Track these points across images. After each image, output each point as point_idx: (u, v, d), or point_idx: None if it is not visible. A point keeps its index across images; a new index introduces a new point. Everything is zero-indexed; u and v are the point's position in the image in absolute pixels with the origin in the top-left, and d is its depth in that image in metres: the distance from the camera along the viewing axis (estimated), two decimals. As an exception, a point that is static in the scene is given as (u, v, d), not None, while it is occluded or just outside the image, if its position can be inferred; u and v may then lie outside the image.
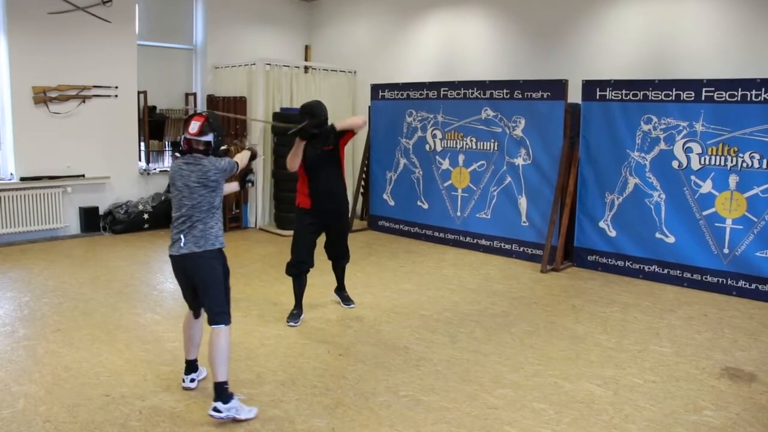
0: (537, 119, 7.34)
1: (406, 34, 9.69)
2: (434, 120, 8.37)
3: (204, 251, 3.64)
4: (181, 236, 3.64)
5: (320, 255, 7.63)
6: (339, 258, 5.55)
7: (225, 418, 3.51)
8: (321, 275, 6.70)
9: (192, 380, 3.98)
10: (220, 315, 3.66)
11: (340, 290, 5.74)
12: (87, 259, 7.22)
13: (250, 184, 4.43)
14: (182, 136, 3.73)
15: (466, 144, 8.04)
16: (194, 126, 3.65)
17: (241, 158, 4.04)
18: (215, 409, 3.52)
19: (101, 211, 8.61)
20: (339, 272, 5.68)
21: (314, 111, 5.04)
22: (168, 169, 9.21)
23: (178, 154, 3.84)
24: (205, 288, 3.67)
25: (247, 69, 9.32)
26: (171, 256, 3.73)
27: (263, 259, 7.44)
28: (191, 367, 3.99)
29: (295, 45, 10.94)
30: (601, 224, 7.03)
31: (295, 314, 5.26)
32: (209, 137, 3.67)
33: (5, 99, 7.86)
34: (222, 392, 3.53)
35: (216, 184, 3.67)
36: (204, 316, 3.83)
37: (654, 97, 6.53)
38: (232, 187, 4.27)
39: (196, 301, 3.84)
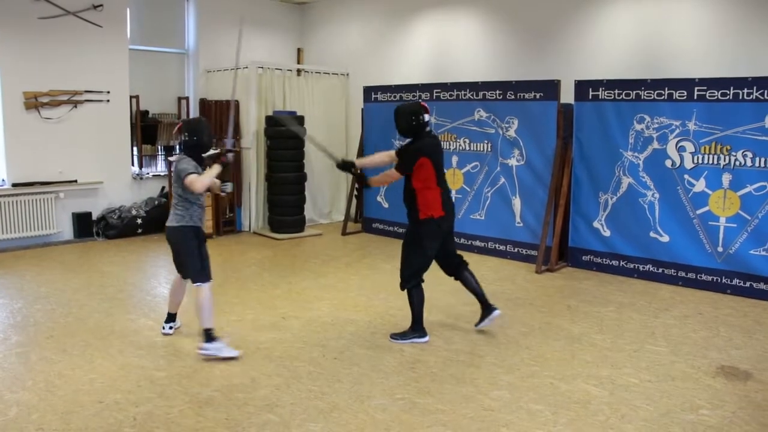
0: (530, 120, 7.34)
1: (398, 35, 9.69)
2: (427, 122, 8.35)
3: (180, 225, 4.58)
4: (170, 212, 4.65)
5: (315, 258, 7.64)
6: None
7: (210, 356, 4.43)
8: (316, 278, 6.69)
9: (170, 327, 4.99)
10: (197, 276, 4.58)
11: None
12: (80, 265, 7.18)
13: (223, 192, 4.87)
14: None
15: (460, 145, 8.03)
16: (174, 130, 4.69)
17: (208, 176, 4.56)
18: (203, 348, 4.48)
19: (94, 217, 8.57)
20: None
21: (396, 117, 4.82)
22: (161, 174, 9.26)
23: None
24: (179, 256, 4.68)
25: (240, 72, 9.28)
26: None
27: (258, 263, 7.41)
28: (171, 317, 5.01)
29: (287, 48, 10.92)
30: (596, 224, 7.03)
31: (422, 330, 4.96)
32: (182, 137, 4.62)
33: (-4, 105, 7.83)
34: (208, 336, 4.50)
35: (176, 177, 4.55)
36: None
37: (646, 96, 6.54)
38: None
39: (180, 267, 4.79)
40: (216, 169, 4.62)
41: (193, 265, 4.58)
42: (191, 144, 4.60)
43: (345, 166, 5.05)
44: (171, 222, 4.62)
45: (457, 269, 5.10)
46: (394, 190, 8.84)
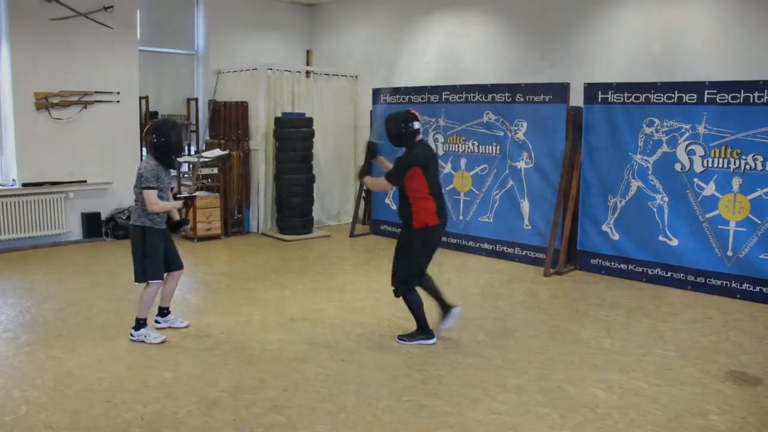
0: (539, 123, 7.33)
1: (407, 38, 9.69)
2: (436, 124, 8.36)
3: (132, 224, 4.78)
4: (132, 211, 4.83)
5: (323, 260, 7.64)
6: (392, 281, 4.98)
7: (136, 340, 4.78)
8: (324, 280, 6.70)
9: (156, 321, 5.13)
10: (136, 275, 4.80)
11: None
12: (89, 265, 7.21)
13: (182, 231, 5.43)
14: None
15: (468, 148, 8.02)
16: (144, 131, 4.78)
17: (162, 206, 4.73)
18: (131, 335, 4.81)
19: (103, 217, 8.59)
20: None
21: (386, 125, 4.86)
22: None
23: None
24: (132, 252, 4.81)
25: (249, 74, 9.31)
26: None
27: (266, 264, 7.42)
28: (160, 312, 5.16)
29: (296, 50, 10.94)
30: (604, 227, 7.00)
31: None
32: (151, 138, 4.76)
33: (7, 105, 7.87)
34: (137, 323, 4.83)
35: (137, 180, 4.70)
36: (173, 275, 5.07)
37: (656, 99, 6.52)
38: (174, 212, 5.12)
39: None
40: (178, 203, 4.92)
41: (135, 263, 4.78)
42: (159, 145, 4.72)
43: (371, 149, 5.10)
44: (131, 220, 4.84)
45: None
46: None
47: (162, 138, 4.71)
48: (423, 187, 4.73)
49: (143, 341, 4.77)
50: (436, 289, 4.99)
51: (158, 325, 5.10)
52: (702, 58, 6.85)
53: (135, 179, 4.74)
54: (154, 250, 4.76)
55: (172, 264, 5.01)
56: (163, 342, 4.77)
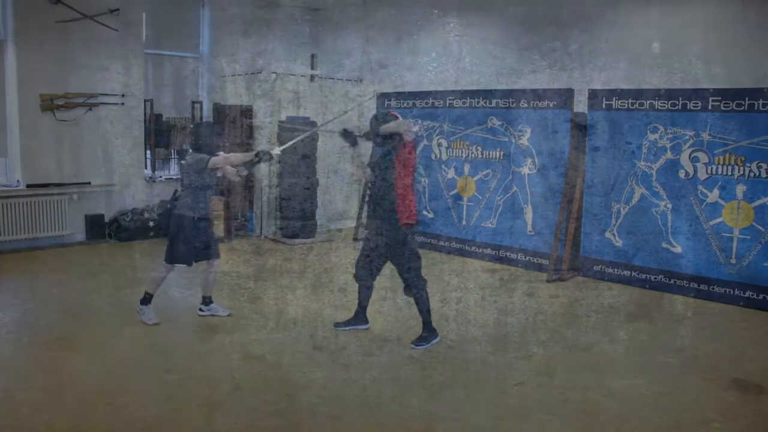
0: (543, 128, 7.32)
1: (413, 42, 9.69)
2: (440, 129, 8.37)
3: (175, 213, 5.21)
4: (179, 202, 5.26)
5: (326, 263, 7.64)
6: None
7: (139, 314, 5.15)
8: (328, 283, 6.70)
9: (200, 309, 5.47)
10: (166, 255, 5.19)
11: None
12: (92, 267, 7.22)
13: (239, 178, 5.61)
14: None
15: (472, 153, 8.02)
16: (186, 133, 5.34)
17: (235, 157, 5.34)
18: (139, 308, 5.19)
19: (107, 219, 8.60)
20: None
21: (370, 122, 5.09)
22: (174, 177, 9.30)
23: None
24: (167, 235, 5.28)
25: (254, 77, 9.33)
26: None
27: (270, 268, 7.42)
28: (203, 300, 5.49)
29: (301, 54, 10.94)
30: (608, 234, 6.99)
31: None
32: (191, 140, 5.39)
33: (13, 106, 7.88)
34: (144, 298, 5.20)
35: (185, 173, 5.23)
36: (210, 263, 5.39)
37: (660, 106, 6.51)
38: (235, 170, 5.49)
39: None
40: (250, 155, 5.39)
41: (168, 245, 5.20)
42: (198, 147, 5.25)
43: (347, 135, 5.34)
44: (176, 209, 5.27)
45: (373, 276, 5.18)
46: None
47: (200, 141, 5.25)
48: (410, 180, 4.88)
49: (141, 318, 5.15)
50: (368, 297, 5.27)
51: (202, 313, 5.46)
52: (707, 65, 6.83)
53: (184, 171, 5.26)
54: (186, 237, 5.10)
55: (210, 253, 5.35)
56: (155, 324, 5.12)
